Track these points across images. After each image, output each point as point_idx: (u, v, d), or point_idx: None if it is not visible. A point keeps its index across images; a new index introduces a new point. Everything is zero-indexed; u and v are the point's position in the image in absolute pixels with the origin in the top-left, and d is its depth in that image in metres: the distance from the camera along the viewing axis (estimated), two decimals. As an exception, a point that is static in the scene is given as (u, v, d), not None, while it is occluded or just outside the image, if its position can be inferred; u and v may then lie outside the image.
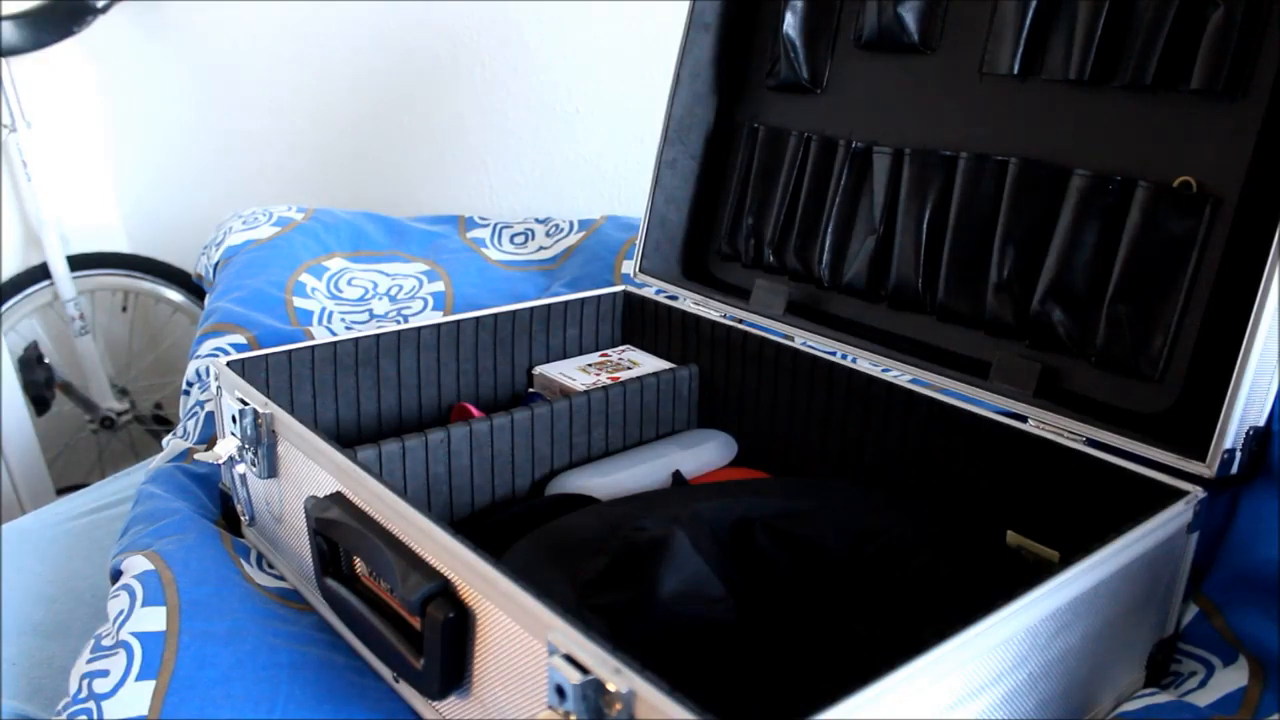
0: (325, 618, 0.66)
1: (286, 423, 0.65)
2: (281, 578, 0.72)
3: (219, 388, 0.72)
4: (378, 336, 0.82)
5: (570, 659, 0.41)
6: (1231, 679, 0.60)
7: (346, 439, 0.83)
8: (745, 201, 0.93)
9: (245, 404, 0.67)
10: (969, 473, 0.71)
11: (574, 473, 0.82)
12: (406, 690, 0.58)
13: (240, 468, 0.70)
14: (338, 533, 0.58)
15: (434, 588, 0.50)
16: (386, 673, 0.60)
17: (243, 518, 0.75)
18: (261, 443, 0.67)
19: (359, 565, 0.59)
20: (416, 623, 0.52)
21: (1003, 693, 0.47)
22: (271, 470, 0.68)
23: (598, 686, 0.40)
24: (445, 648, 0.50)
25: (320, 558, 0.60)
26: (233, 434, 0.70)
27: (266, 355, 0.76)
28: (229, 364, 0.72)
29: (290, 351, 0.77)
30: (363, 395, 0.83)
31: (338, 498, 0.59)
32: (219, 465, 0.72)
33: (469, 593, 0.49)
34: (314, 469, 0.62)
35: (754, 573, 0.64)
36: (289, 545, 0.69)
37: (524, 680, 0.46)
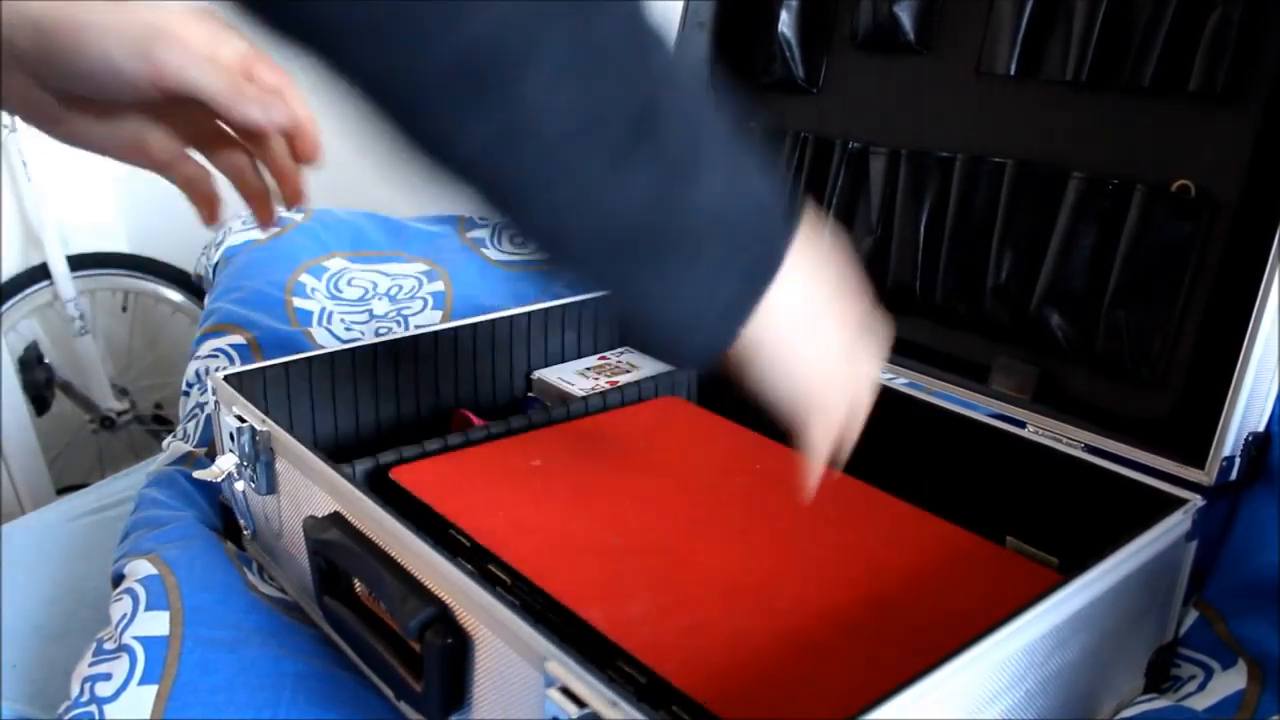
0: (327, 633, 0.67)
1: (284, 441, 0.64)
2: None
3: (216, 403, 0.72)
4: (375, 346, 0.82)
5: (567, 691, 0.41)
6: (1230, 682, 0.60)
7: (346, 449, 0.82)
8: (742, 202, 0.93)
9: (243, 421, 0.67)
10: (968, 478, 0.70)
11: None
12: (408, 710, 0.58)
13: (239, 484, 0.71)
14: (336, 554, 0.58)
15: (431, 614, 0.50)
16: (388, 691, 0.60)
17: (245, 531, 0.75)
18: (260, 460, 0.67)
19: (359, 585, 0.59)
20: (416, 645, 0.52)
21: (999, 711, 0.47)
22: (270, 487, 0.68)
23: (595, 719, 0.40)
24: (444, 673, 0.50)
25: (320, 577, 0.60)
26: (231, 450, 0.70)
27: (264, 368, 0.76)
28: (226, 378, 0.72)
29: (287, 364, 0.77)
30: (362, 405, 0.82)
31: (336, 518, 0.59)
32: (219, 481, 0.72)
33: (467, 619, 0.49)
34: (313, 487, 0.62)
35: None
36: (290, 561, 0.69)
37: (524, 707, 0.46)
